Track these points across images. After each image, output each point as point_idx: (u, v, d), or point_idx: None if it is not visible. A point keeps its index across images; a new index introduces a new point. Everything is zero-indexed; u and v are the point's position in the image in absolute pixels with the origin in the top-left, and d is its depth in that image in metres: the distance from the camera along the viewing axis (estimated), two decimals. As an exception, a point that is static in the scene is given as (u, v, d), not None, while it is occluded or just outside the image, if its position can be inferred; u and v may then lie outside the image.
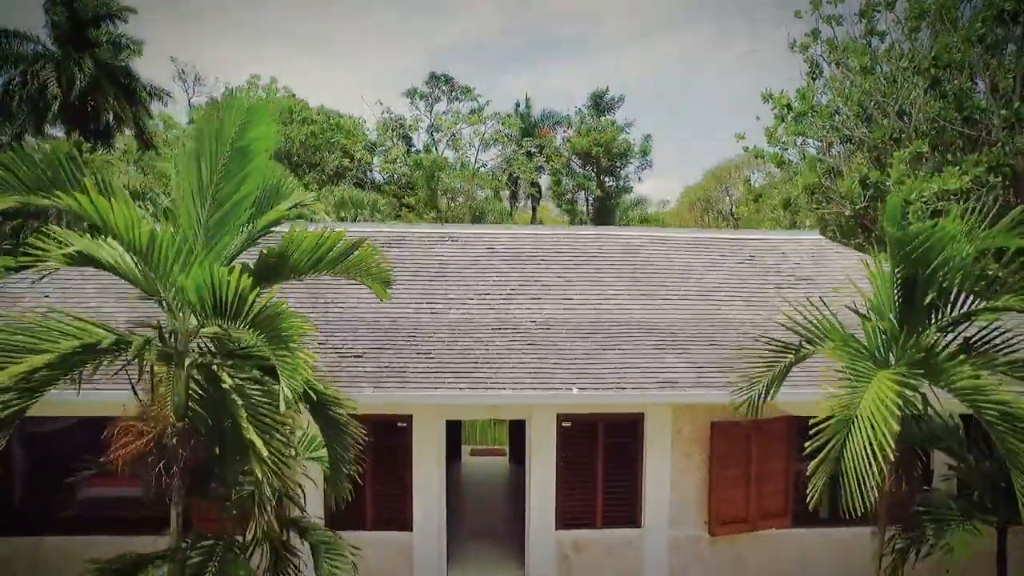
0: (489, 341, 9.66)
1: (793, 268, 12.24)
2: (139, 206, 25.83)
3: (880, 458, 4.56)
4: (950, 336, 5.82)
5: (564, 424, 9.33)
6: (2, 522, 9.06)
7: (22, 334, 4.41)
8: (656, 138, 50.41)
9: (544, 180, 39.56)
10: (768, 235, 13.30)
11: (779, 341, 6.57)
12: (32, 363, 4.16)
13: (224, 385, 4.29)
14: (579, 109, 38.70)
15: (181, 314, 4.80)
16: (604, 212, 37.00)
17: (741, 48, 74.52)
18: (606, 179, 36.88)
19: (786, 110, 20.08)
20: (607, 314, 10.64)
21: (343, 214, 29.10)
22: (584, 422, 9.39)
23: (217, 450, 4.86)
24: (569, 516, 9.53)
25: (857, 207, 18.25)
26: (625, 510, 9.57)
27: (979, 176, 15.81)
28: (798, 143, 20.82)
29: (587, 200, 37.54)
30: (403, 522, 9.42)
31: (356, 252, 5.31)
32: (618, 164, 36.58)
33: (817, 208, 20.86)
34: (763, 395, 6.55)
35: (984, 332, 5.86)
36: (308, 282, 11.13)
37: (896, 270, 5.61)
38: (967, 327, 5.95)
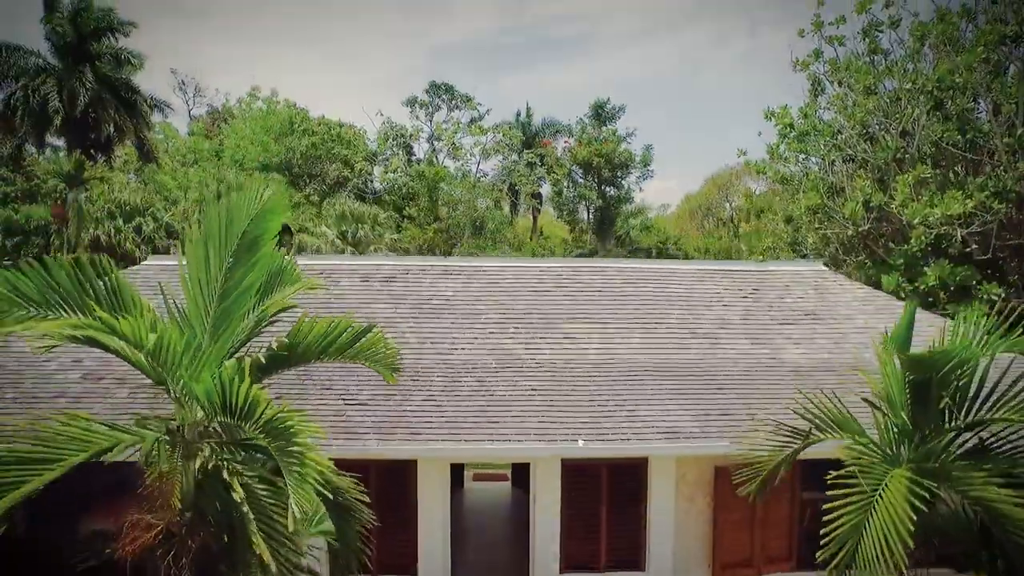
0: (493, 386, 9.66)
1: (797, 302, 12.24)
2: (141, 222, 25.87)
3: (894, 553, 4.54)
4: (967, 434, 5.70)
5: (568, 468, 9.35)
6: None
7: (41, 445, 4.37)
8: (656, 137, 50.58)
9: (545, 188, 39.62)
10: (771, 267, 13.29)
11: (788, 427, 6.48)
12: (46, 477, 4.16)
13: (234, 496, 4.28)
14: (580, 119, 38.69)
15: (189, 406, 4.81)
16: (605, 222, 37.02)
17: (741, 47, 74.44)
18: (607, 189, 36.88)
19: (788, 129, 20.06)
20: (610, 354, 10.64)
21: (344, 228, 29.13)
22: (588, 466, 9.40)
23: (226, 538, 4.87)
24: (573, 559, 9.55)
25: (860, 229, 18.23)
26: (629, 554, 9.59)
27: (983, 201, 15.80)
28: (800, 159, 20.82)
29: (588, 210, 37.55)
30: (407, 565, 9.44)
31: (364, 339, 5.30)
32: (619, 174, 36.58)
33: (819, 227, 20.85)
34: (770, 479, 6.47)
35: (1002, 434, 5.72)
36: (311, 311, 11.18)
37: (907, 376, 5.51)
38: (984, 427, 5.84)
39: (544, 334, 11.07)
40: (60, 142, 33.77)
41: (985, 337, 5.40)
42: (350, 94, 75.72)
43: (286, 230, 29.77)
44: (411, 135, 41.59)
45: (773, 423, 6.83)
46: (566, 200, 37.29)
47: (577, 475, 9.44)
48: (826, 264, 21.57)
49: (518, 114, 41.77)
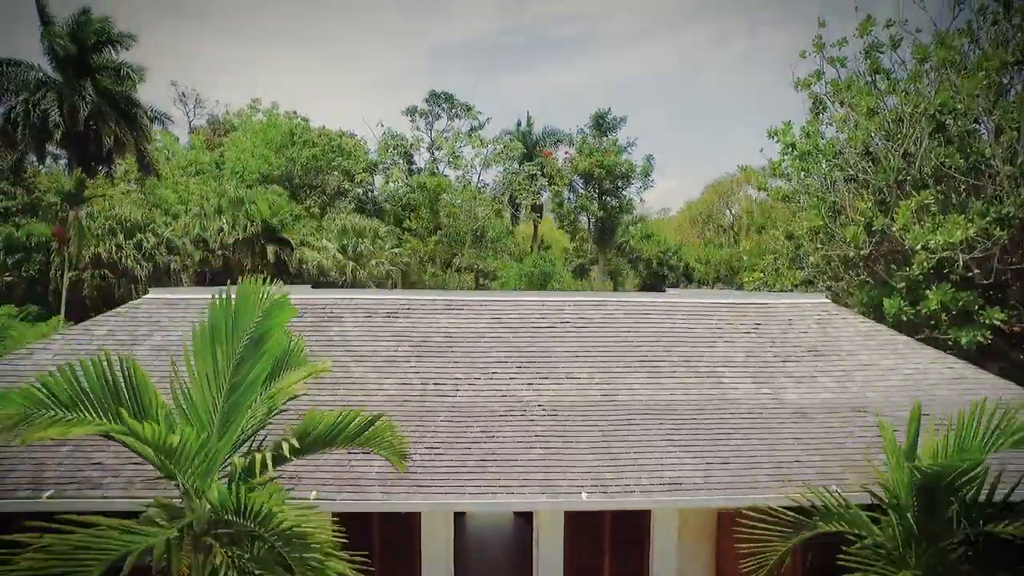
0: (497, 431, 9.67)
1: (799, 337, 12.24)
2: (142, 239, 25.87)
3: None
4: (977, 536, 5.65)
5: (571, 516, 9.37)
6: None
7: (56, 559, 4.35)
8: (656, 137, 50.50)
9: (546, 197, 39.60)
10: (773, 299, 13.30)
11: (792, 515, 6.42)
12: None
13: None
14: (581, 129, 38.69)
15: (199, 502, 4.81)
16: (606, 231, 37.03)
17: (741, 47, 74.40)
18: (608, 199, 36.88)
19: (790, 148, 20.05)
20: (614, 395, 10.65)
21: (345, 241, 29.11)
22: (591, 514, 9.42)
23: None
24: (577, 605, 9.57)
25: (862, 252, 18.23)
26: (632, 599, 9.60)
27: (985, 228, 15.78)
28: (802, 176, 20.79)
29: (589, 219, 37.55)
30: (411, 611, 9.47)
31: (373, 427, 5.31)
32: (620, 184, 36.57)
33: (821, 247, 20.85)
34: (777, 567, 6.43)
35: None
36: (314, 352, 11.19)
37: (915, 481, 5.47)
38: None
39: (547, 373, 11.09)
40: (60, 152, 33.82)
41: (990, 436, 5.35)
42: (350, 94, 75.73)
43: (286, 244, 29.86)
44: (411, 144, 41.62)
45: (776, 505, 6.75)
46: (567, 211, 37.28)
47: (580, 522, 9.47)
48: (828, 286, 21.65)
49: (518, 124, 41.76)
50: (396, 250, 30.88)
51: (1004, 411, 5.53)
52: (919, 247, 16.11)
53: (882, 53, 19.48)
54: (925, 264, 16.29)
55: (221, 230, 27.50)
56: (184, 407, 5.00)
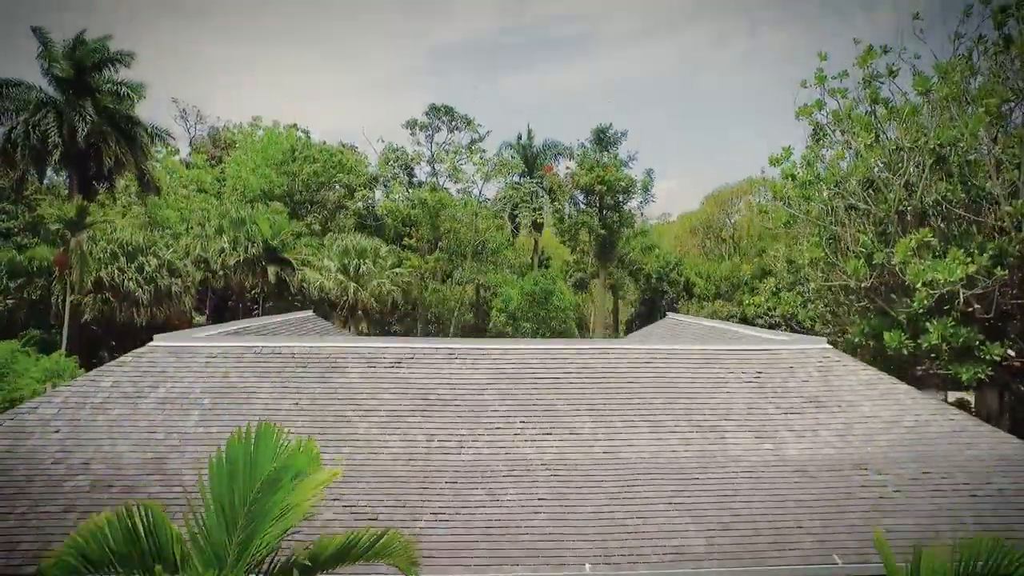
0: (501, 494, 9.73)
1: (801, 387, 12.30)
2: (143, 262, 25.90)
3: None
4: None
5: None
6: None
7: None
8: (656, 137, 50.39)
9: (547, 208, 39.63)
10: (774, 345, 13.36)
11: None
12: None
13: None
14: (581, 144, 38.76)
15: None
16: (606, 246, 37.09)
17: (741, 47, 74.38)
18: (608, 213, 36.94)
19: (790, 180, 20.12)
20: (616, 452, 10.71)
21: (346, 261, 29.17)
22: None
23: None
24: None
25: (862, 284, 18.30)
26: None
27: (985, 266, 15.85)
28: (803, 204, 20.85)
29: (589, 234, 37.62)
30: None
31: (382, 540, 5.37)
32: (621, 199, 36.62)
33: (822, 275, 20.93)
34: None
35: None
36: (318, 416, 11.25)
37: None
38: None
39: (550, 428, 11.14)
40: (61, 170, 33.83)
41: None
42: (350, 94, 75.64)
43: (288, 264, 29.93)
44: (412, 158, 41.65)
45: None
46: (568, 225, 37.38)
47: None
48: (828, 317, 21.69)
49: (519, 137, 41.81)
50: (397, 270, 30.94)
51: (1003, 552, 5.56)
52: (920, 285, 16.18)
53: (882, 83, 19.55)
54: (926, 301, 16.35)
55: (222, 251, 27.52)
56: (200, 540, 5.04)
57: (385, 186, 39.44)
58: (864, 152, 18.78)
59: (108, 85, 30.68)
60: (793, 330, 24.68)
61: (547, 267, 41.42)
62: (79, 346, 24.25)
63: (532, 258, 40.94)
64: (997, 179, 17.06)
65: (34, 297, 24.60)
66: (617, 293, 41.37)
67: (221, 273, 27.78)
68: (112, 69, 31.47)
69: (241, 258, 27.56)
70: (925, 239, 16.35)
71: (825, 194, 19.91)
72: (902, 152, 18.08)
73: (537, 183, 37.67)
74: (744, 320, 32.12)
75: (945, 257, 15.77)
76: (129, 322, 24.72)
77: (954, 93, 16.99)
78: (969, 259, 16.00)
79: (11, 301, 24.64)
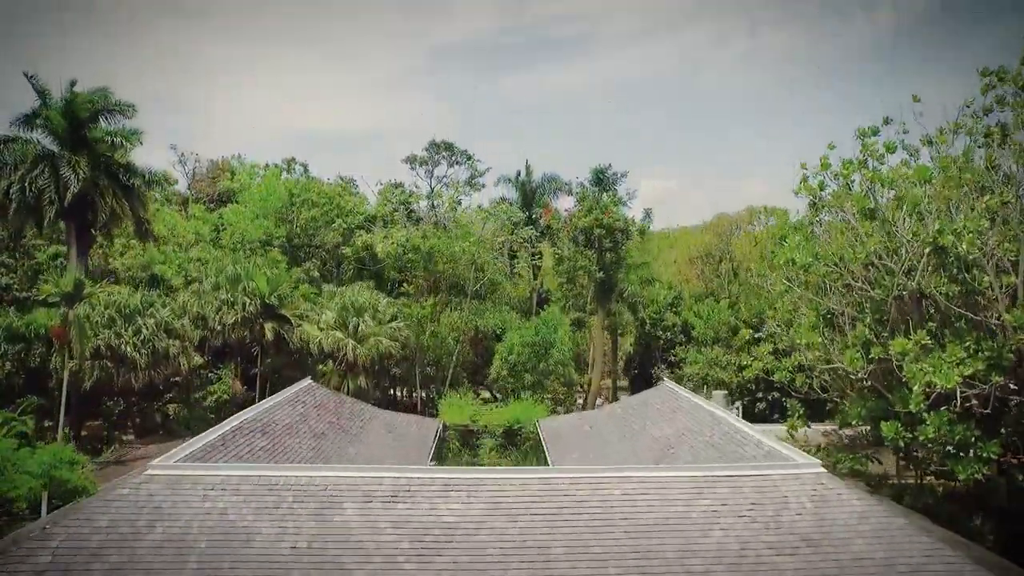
0: (494, 666, 9.79)
1: (793, 521, 12.33)
2: (140, 324, 25.88)
3: None
4: None
5: None
6: None
7: None
8: (656, 137, 50.12)
9: (546, 250, 39.71)
10: (769, 471, 13.41)
11: None
12: None
13: None
14: (581, 183, 38.79)
15: None
16: (605, 289, 37.15)
17: (741, 47, 74.24)
18: (607, 254, 36.94)
19: (791, 264, 20.14)
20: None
21: (344, 316, 29.21)
22: None
23: None
24: None
25: (859, 376, 18.33)
26: None
27: (980, 371, 15.86)
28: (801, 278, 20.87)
29: (588, 277, 37.62)
30: None
31: None
32: (619, 239, 36.62)
33: (820, 355, 20.93)
34: None
35: None
36: (316, 561, 11.29)
37: None
38: None
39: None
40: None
41: None
42: (350, 94, 75.44)
43: (286, 321, 29.92)
44: (411, 195, 41.63)
45: None
46: (566, 268, 37.43)
47: None
48: (825, 389, 21.70)
49: (518, 174, 41.86)
50: (394, 324, 30.94)
51: None
52: (916, 390, 16.17)
53: (882, 164, 19.54)
54: (923, 404, 16.32)
55: (220, 308, 27.55)
56: None
57: (385, 223, 39.40)
58: (864, 240, 18.76)
59: (103, 136, 30.65)
60: (791, 395, 24.61)
61: (547, 304, 41.35)
62: (77, 413, 24.35)
63: (531, 296, 40.96)
64: (996, 278, 17.07)
65: (32, 364, 24.65)
66: (616, 333, 41.42)
67: (219, 330, 27.81)
68: (108, 119, 31.48)
69: (239, 316, 27.59)
70: (921, 342, 16.34)
71: (822, 269, 19.89)
72: (901, 246, 18.08)
73: (534, 231, 37.75)
74: (741, 368, 32.21)
75: (943, 350, 15.76)
76: (127, 387, 24.77)
77: (949, 190, 17.00)
78: (966, 357, 16.02)
79: (9, 366, 24.69)
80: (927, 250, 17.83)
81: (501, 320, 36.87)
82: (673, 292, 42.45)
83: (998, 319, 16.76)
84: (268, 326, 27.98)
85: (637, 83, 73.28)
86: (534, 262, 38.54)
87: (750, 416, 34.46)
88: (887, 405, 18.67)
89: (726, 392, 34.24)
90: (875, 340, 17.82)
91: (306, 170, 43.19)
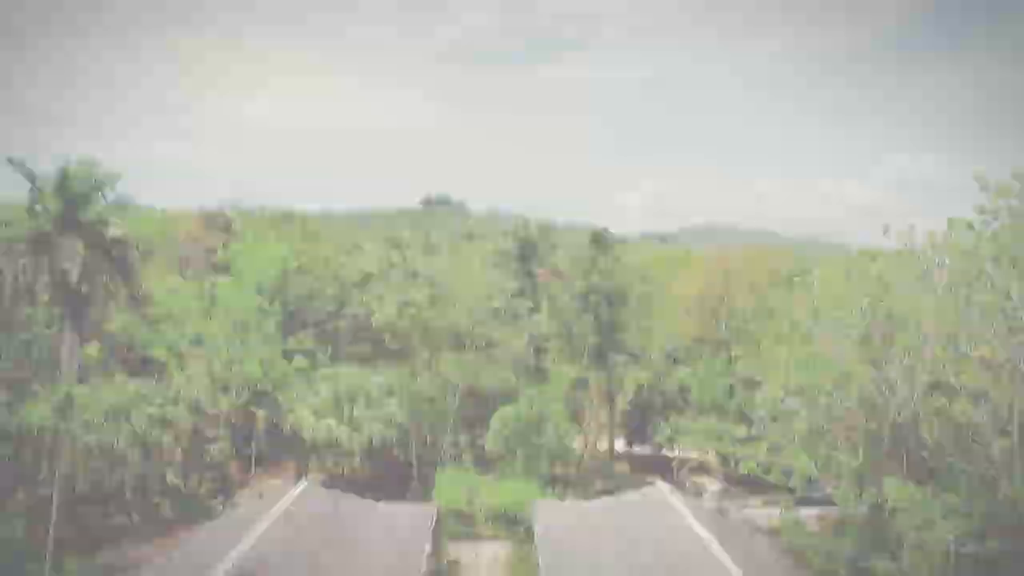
0: None
1: None
2: (133, 426, 25.71)
3: None
4: None
5: None
6: None
7: None
8: (655, 136, 49.81)
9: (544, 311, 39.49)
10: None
11: None
12: None
13: None
14: (579, 251, 38.62)
15: None
16: (601, 356, 37.05)
17: (741, 48, 73.95)
18: (604, 318, 36.73)
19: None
20: None
21: (339, 403, 29.09)
22: None
23: None
24: None
25: (852, 513, 18.18)
26: None
27: (977, 526, 15.68)
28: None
29: (584, 343, 37.39)
30: None
31: None
32: (616, 303, 36.40)
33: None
34: None
35: None
36: None
37: None
38: None
39: None
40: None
41: None
42: (350, 94, 75.03)
43: (275, 408, 29.66)
44: (407, 244, 41.35)
45: None
46: (564, 331, 37.29)
47: None
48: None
49: (515, 228, 41.53)
50: (390, 409, 30.72)
51: None
52: (910, 542, 16.00)
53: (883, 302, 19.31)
54: (918, 557, 16.14)
55: (214, 394, 27.39)
56: None
57: (385, 280, 38.97)
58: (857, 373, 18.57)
59: (95, 216, 30.34)
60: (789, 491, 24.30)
61: (544, 353, 41.06)
62: (69, 514, 24.23)
63: (528, 349, 40.65)
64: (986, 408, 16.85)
65: (23, 464, 24.45)
66: (612, 399, 41.31)
67: (213, 414, 27.66)
68: (101, 195, 31.26)
69: (232, 405, 27.41)
70: (912, 496, 16.15)
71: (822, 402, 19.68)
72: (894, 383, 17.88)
73: (531, 300, 37.56)
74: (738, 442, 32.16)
75: (934, 525, 15.57)
76: (119, 488, 24.58)
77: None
78: (957, 508, 15.84)
79: (-1, 465, 24.41)
80: (924, 386, 17.64)
81: (499, 380, 36.66)
82: (670, 344, 42.33)
83: (992, 468, 16.55)
84: (260, 414, 27.80)
85: (637, 83, 72.97)
86: (532, 319, 38.34)
87: (750, 481, 34.23)
88: (882, 539, 18.50)
89: (723, 487, 34.95)
90: (866, 486, 17.64)
91: (303, 222, 42.94)
